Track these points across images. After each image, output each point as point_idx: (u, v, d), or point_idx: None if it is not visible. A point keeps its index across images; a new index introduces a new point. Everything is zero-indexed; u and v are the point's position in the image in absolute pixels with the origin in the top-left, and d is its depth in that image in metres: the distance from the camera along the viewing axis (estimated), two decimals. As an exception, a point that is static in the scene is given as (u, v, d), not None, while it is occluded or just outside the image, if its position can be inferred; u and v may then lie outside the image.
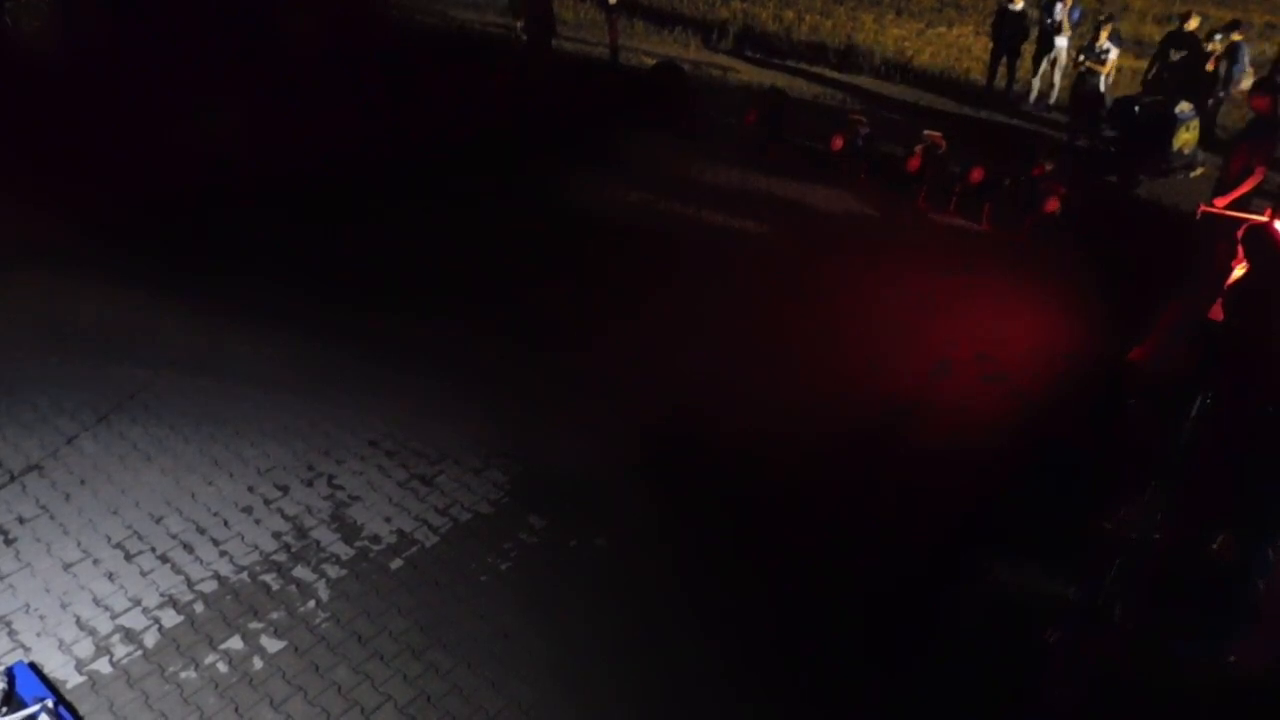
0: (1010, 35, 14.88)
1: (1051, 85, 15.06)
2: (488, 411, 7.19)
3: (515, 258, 9.54)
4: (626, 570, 5.86)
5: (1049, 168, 11.04)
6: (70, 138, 10.93)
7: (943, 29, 18.58)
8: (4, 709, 4.38)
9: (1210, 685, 5.31)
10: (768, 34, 18.06)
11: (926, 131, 11.97)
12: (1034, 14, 14.75)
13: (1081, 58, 13.46)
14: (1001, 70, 15.38)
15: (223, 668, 5.06)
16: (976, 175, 11.05)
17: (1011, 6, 14.53)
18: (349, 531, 6.01)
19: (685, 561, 5.97)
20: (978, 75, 16.06)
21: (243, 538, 5.90)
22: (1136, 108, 12.64)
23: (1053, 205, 10.41)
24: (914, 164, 11.58)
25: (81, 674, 4.96)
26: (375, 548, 5.90)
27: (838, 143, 12.14)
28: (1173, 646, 5.50)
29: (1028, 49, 15.08)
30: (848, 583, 5.89)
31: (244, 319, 8.00)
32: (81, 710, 4.71)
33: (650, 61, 15.67)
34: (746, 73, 16.30)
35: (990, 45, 15.39)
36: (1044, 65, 14.90)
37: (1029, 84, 15.29)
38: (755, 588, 5.82)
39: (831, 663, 5.35)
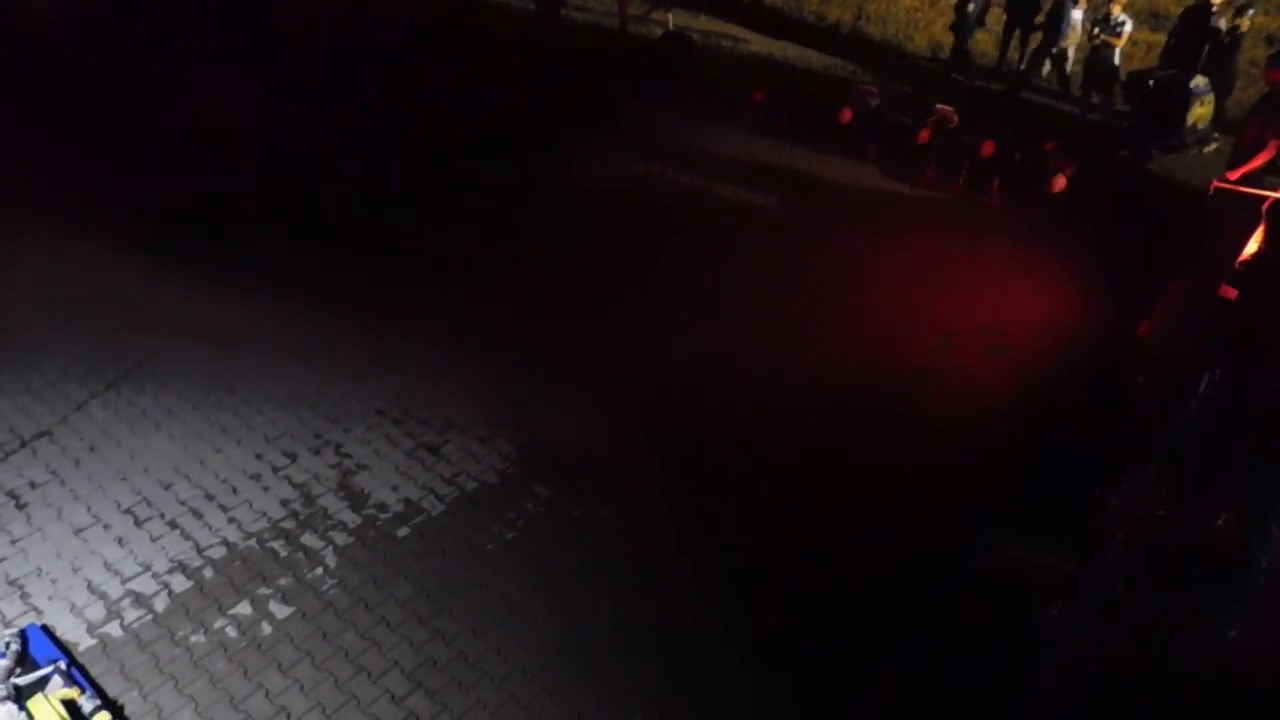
0: (1024, 8, 14.71)
1: (1064, 59, 14.89)
2: (495, 382, 7.21)
3: (524, 230, 9.52)
4: (631, 540, 5.90)
5: (1056, 146, 10.95)
6: (83, 110, 10.90)
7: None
8: (18, 670, 4.45)
9: (1210, 667, 5.34)
10: (778, 3, 17.86)
11: (938, 106, 11.86)
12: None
13: (1096, 30, 13.30)
14: (1014, 43, 15.21)
15: (232, 632, 5.12)
16: (987, 149, 10.97)
17: (1025, -23, 14.35)
18: (356, 499, 6.06)
19: (689, 532, 6.01)
20: (991, 49, 15.87)
21: (251, 504, 5.95)
22: (1151, 82, 12.49)
23: (1059, 184, 10.32)
24: (924, 137, 11.49)
25: (93, 637, 5.03)
26: (382, 516, 5.95)
27: (846, 115, 12.04)
28: (1175, 625, 5.52)
29: (1042, 21, 14.91)
30: (851, 555, 5.92)
31: (252, 288, 8.01)
32: (93, 672, 4.78)
33: (660, 32, 15.52)
34: (757, 43, 16.13)
35: (1004, 18, 15.22)
36: (1057, 39, 14.72)
37: (1041, 58, 15.11)
38: (759, 559, 5.86)
39: (833, 635, 5.39)
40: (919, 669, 5.24)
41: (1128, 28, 13.17)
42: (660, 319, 8.16)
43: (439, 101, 12.39)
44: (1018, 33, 15.27)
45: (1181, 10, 14.51)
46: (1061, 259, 9.54)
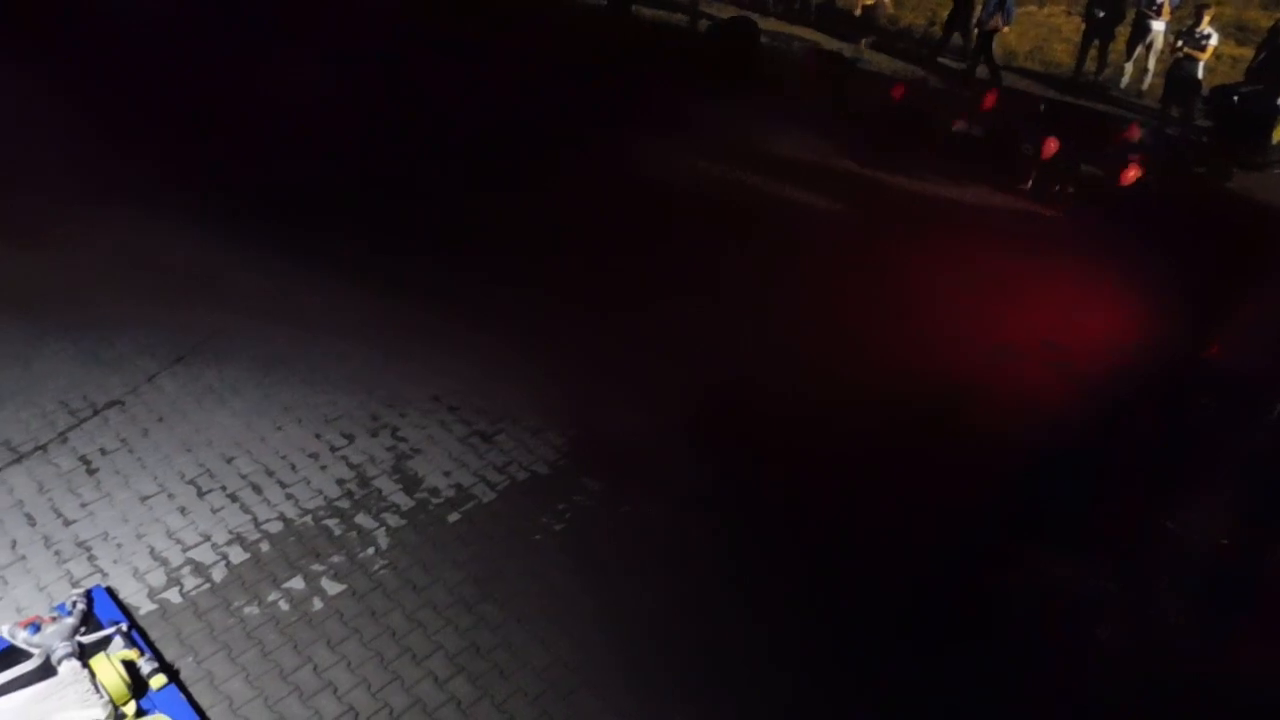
0: (1104, 17, 14.37)
1: (1145, 71, 14.52)
2: (550, 374, 7.27)
3: (587, 225, 9.56)
4: (676, 538, 5.92)
5: (1133, 136, 10.68)
6: (167, 98, 11.22)
7: (1033, 8, 17.95)
8: (83, 629, 4.62)
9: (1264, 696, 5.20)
10: (848, 7, 17.68)
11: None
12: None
13: (1180, 43, 12.94)
14: (1092, 53, 14.87)
15: (284, 606, 5.26)
16: (1050, 147, 10.78)
17: (1108, -14, 14.01)
18: (410, 483, 6.17)
19: (734, 532, 6.01)
20: (1067, 58, 15.53)
21: (308, 482, 6.10)
22: (1235, 97, 12.12)
23: (1132, 174, 9.96)
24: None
25: (153, 602, 5.21)
26: (434, 500, 6.05)
27: (898, 91, 12.37)
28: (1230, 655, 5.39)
29: (1122, 32, 14.55)
30: (893, 563, 5.88)
31: (318, 270, 8.19)
32: (152, 635, 4.94)
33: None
34: (825, 45, 16.01)
35: (1082, 27, 14.89)
36: (1138, 50, 14.36)
37: (1120, 69, 14.76)
38: (800, 562, 5.85)
39: (872, 641, 5.37)
40: (956, 678, 5.19)
41: (1213, 40, 12.80)
42: (716, 318, 8.16)
43: (507, 97, 12.50)
44: (1096, 42, 14.92)
45: (1271, 24, 14.06)
46: (1133, 273, 9.28)
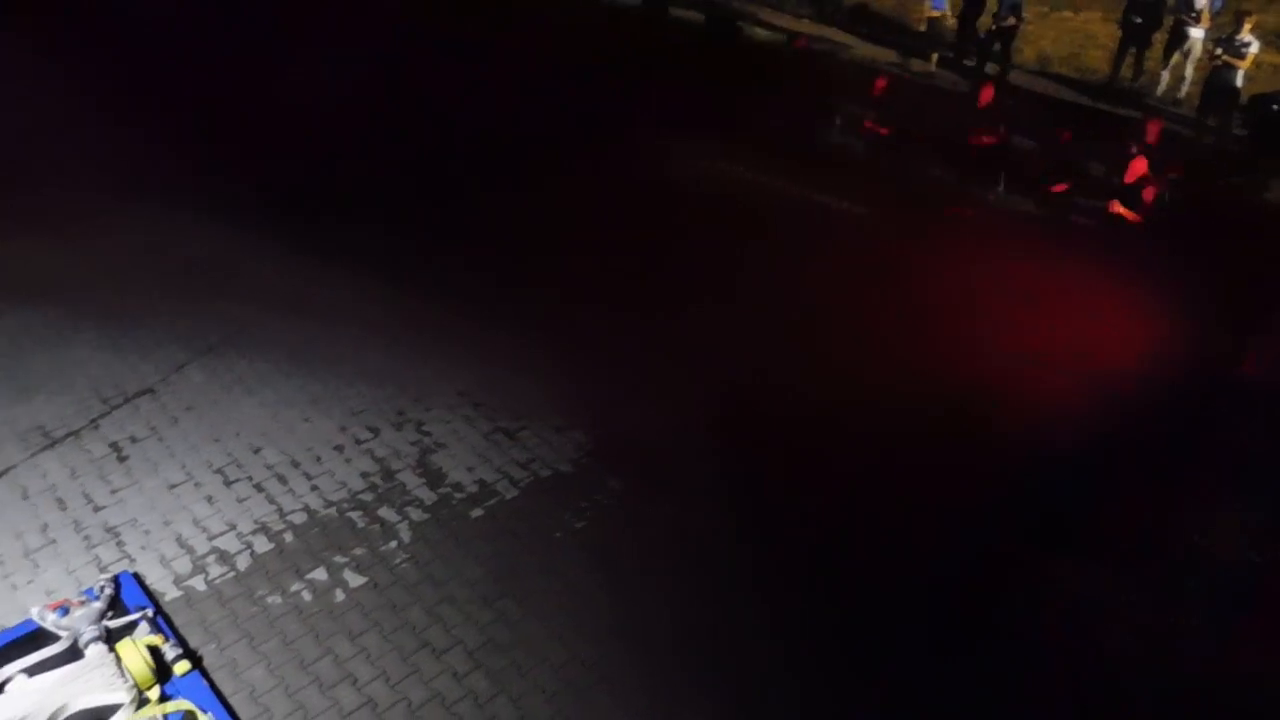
0: (1142, 23, 14.19)
1: (1182, 79, 14.34)
2: (575, 373, 7.30)
3: (609, 223, 9.58)
4: (696, 539, 5.93)
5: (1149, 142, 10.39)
6: (202, 96, 11.37)
7: (1068, 13, 17.76)
8: (110, 613, 4.69)
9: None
10: (884, 10, 17.59)
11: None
12: (1170, 1, 14.05)
13: (1219, 51, 12.77)
14: (1128, 60, 14.70)
15: (307, 596, 5.32)
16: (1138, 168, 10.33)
17: (1146, -7, 13.85)
18: (433, 477, 6.21)
19: (752, 535, 6.02)
20: (1102, 64, 15.36)
21: (333, 474, 6.16)
22: (1276, 106, 11.95)
23: (1138, 168, 9.69)
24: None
25: (179, 588, 5.28)
26: (457, 495, 6.09)
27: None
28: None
29: (1159, 39, 14.37)
30: (913, 568, 5.86)
31: (348, 267, 8.26)
32: (176, 622, 5.00)
33: (762, 33, 15.47)
34: (861, 49, 15.93)
35: (1119, 33, 14.72)
36: (1175, 57, 14.18)
37: (1157, 76, 14.59)
38: (818, 565, 5.83)
39: (886, 645, 5.36)
40: (975, 691, 5.16)
41: (1253, 48, 12.62)
42: (742, 321, 8.16)
43: (526, 97, 12.53)
44: (1133, 49, 14.74)
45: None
46: (1165, 285, 9.18)
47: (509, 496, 6.13)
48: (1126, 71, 14.96)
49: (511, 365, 7.29)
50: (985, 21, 14.58)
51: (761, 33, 15.67)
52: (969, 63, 15.20)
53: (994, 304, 8.64)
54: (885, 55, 15.63)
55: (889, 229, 10.13)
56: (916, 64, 15.25)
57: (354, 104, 11.28)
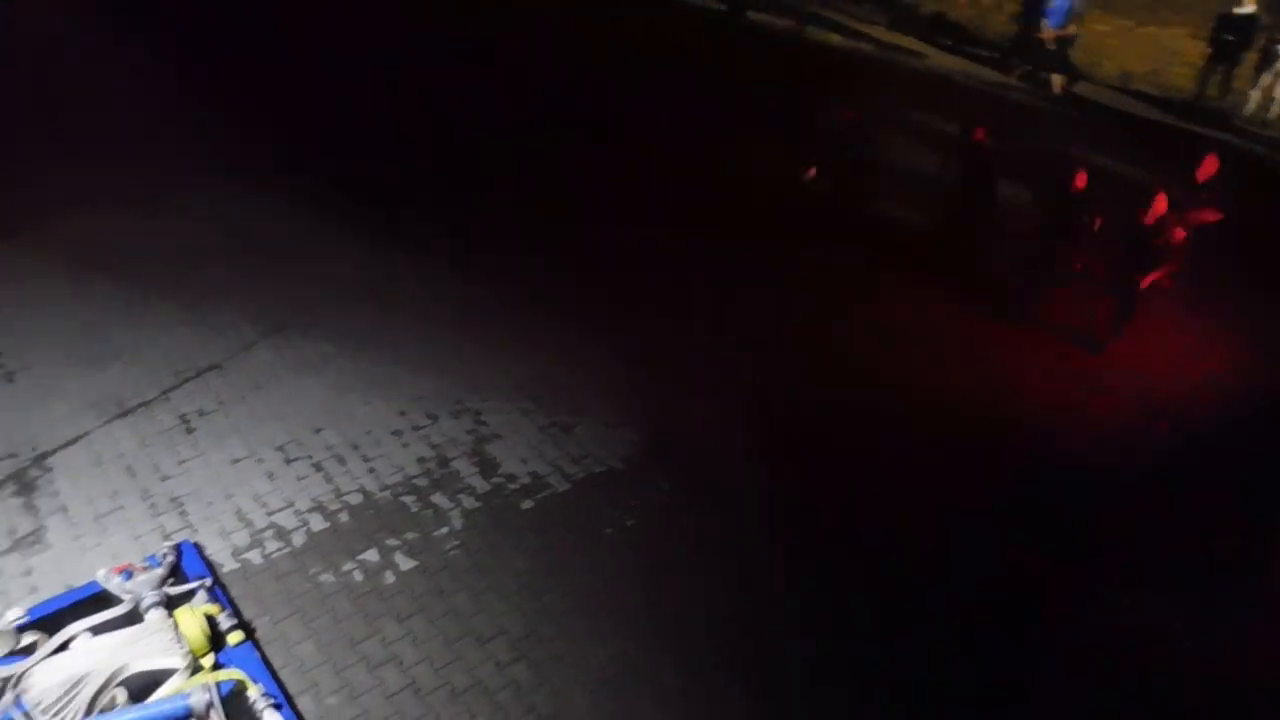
0: (1232, 41, 13.74)
1: (1272, 100, 13.86)
2: (631, 372, 7.32)
3: (677, 228, 9.56)
4: (741, 544, 5.91)
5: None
6: (287, 87, 11.65)
7: (1154, 28, 17.28)
8: (171, 580, 4.84)
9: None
10: (961, 19, 17.29)
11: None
12: (1265, 19, 13.57)
13: (1312, 72, 12.34)
14: (1215, 79, 14.25)
15: (358, 576, 5.42)
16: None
17: (1239, 9, 13.39)
18: (487, 467, 6.29)
19: (798, 542, 5.98)
20: (1186, 82, 14.91)
21: (390, 458, 6.27)
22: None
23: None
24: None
25: (236, 560, 5.43)
26: (510, 486, 6.16)
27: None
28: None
29: (1249, 58, 13.90)
30: (957, 586, 5.76)
31: (415, 255, 8.42)
32: (232, 593, 5.14)
33: (835, 39, 15.31)
34: (935, 58, 15.70)
35: (1207, 51, 14.27)
36: (1265, 77, 13.70)
37: (1245, 96, 14.12)
38: (863, 576, 5.78)
39: (929, 661, 5.29)
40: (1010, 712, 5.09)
41: (1349, 72, 12.15)
42: (803, 329, 8.09)
43: (605, 98, 12.58)
44: (1220, 68, 14.29)
45: None
46: (1227, 313, 8.84)
47: (560, 490, 6.17)
48: (1213, 90, 14.50)
49: (569, 361, 7.34)
50: (1049, 33, 14.18)
51: (835, 39, 15.52)
52: (1020, 68, 14.73)
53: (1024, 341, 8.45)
54: (983, 72, 15.37)
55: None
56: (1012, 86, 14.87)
57: (429, 102, 11.44)
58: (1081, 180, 8.13)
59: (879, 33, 16.24)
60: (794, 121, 11.26)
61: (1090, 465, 6.92)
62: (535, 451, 6.46)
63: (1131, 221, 7.83)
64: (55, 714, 4.08)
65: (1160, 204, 7.70)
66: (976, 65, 15.49)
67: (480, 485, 6.14)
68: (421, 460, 6.28)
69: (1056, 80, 14.35)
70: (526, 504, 6.04)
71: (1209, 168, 8.49)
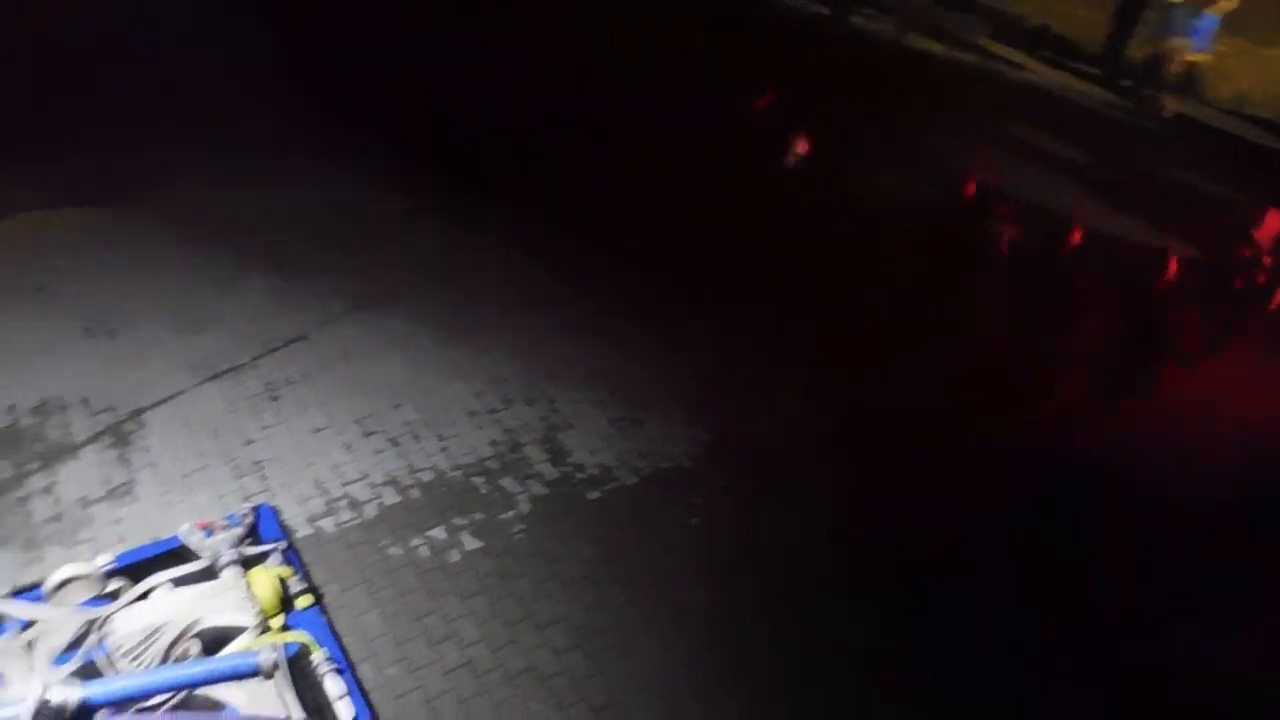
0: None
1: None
2: (706, 371, 7.32)
3: (767, 232, 9.52)
4: (806, 551, 5.86)
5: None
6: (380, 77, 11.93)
7: (1276, 50, 16.53)
8: (248, 540, 5.00)
9: None
10: (1069, 33, 16.77)
11: None
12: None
13: None
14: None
15: (425, 553, 5.54)
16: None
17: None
18: (557, 455, 6.35)
19: (862, 554, 5.90)
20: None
21: (463, 439, 6.38)
22: None
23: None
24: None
25: (310, 527, 5.59)
26: (578, 475, 6.21)
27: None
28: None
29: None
30: (1019, 614, 5.62)
31: (501, 241, 8.53)
32: (304, 558, 5.27)
33: (935, 48, 15.02)
34: (1037, 72, 15.30)
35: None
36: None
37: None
38: (930, 597, 5.67)
39: (988, 691, 5.17)
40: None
41: None
42: (882, 336, 7.98)
43: (700, 101, 12.57)
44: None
45: None
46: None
47: (628, 484, 6.20)
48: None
49: (645, 357, 7.37)
50: (1186, 56, 13.48)
51: (936, 46, 15.23)
52: (1141, 88, 14.10)
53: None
54: (1060, 78, 14.93)
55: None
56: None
57: (525, 91, 11.59)
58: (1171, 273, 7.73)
59: (983, 41, 15.88)
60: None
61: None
62: (605, 443, 6.51)
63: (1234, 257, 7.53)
64: (134, 658, 4.26)
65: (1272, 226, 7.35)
66: (1080, 81, 15.05)
67: (549, 472, 6.21)
68: (494, 443, 6.38)
69: (1171, 102, 13.79)
70: (593, 495, 6.09)
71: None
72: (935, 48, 15.11)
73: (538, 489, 6.07)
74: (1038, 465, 6.81)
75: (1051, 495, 6.57)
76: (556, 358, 7.23)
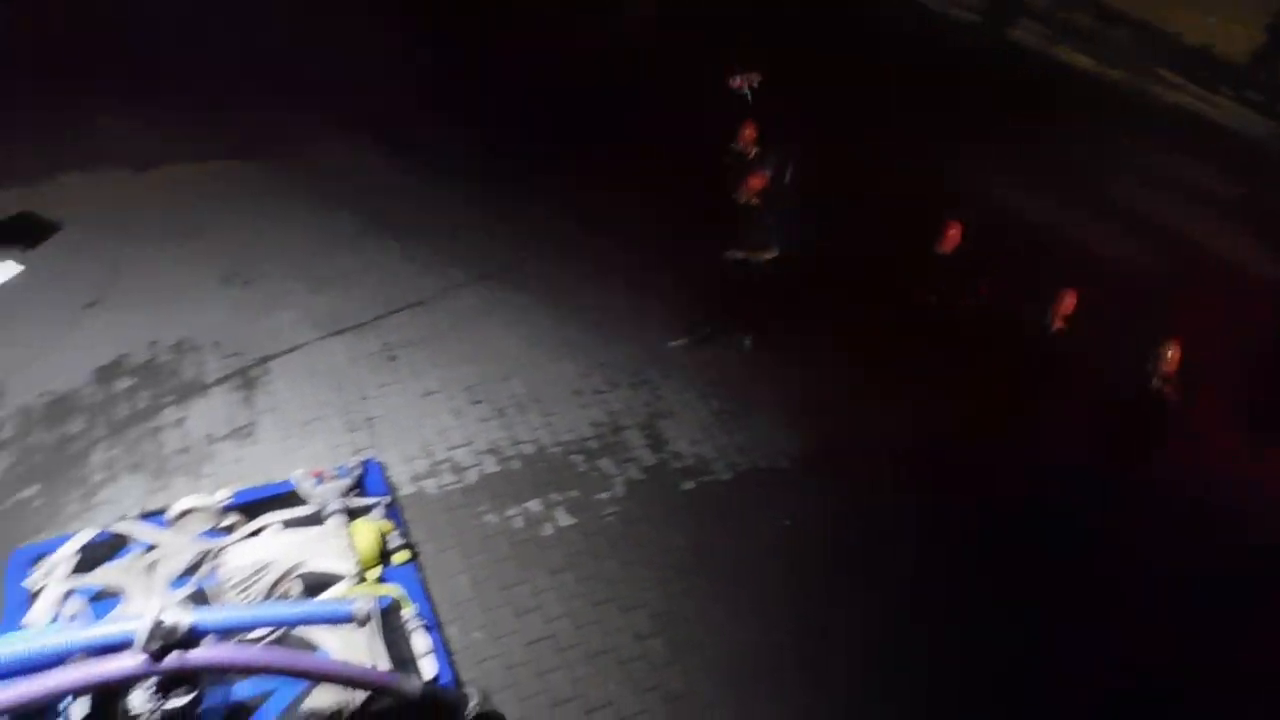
0: None
1: None
2: (810, 374, 7.20)
3: (875, 227, 9.18)
4: (894, 559, 5.77)
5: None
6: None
7: None
8: (354, 492, 5.20)
9: None
10: (1228, 55, 15.50)
11: None
12: None
13: None
14: None
15: (519, 524, 5.66)
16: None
17: None
18: (657, 442, 6.39)
19: (954, 573, 5.76)
20: None
21: (567, 416, 6.48)
22: None
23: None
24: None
25: (413, 486, 5.78)
26: (675, 464, 6.24)
27: None
28: None
29: None
30: (1094, 647, 5.38)
31: (619, 224, 8.48)
32: (405, 515, 5.45)
33: (1082, 61, 14.26)
34: (1190, 94, 14.30)
35: None
36: None
37: None
38: (1011, 611, 5.49)
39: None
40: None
41: None
42: (983, 357, 7.66)
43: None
44: None
45: None
46: None
47: (723, 478, 6.19)
48: None
49: (754, 358, 7.33)
50: None
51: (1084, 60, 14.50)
52: None
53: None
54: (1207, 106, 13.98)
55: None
56: None
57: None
58: None
59: (1128, 56, 14.97)
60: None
61: None
62: (705, 434, 6.50)
63: None
64: (241, 591, 4.50)
65: None
66: (1241, 107, 14.07)
67: (647, 458, 6.25)
68: (596, 424, 6.46)
69: None
70: (688, 485, 6.10)
71: None
72: (1082, 61, 14.38)
73: (634, 473, 6.12)
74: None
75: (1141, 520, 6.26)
76: (667, 346, 7.23)
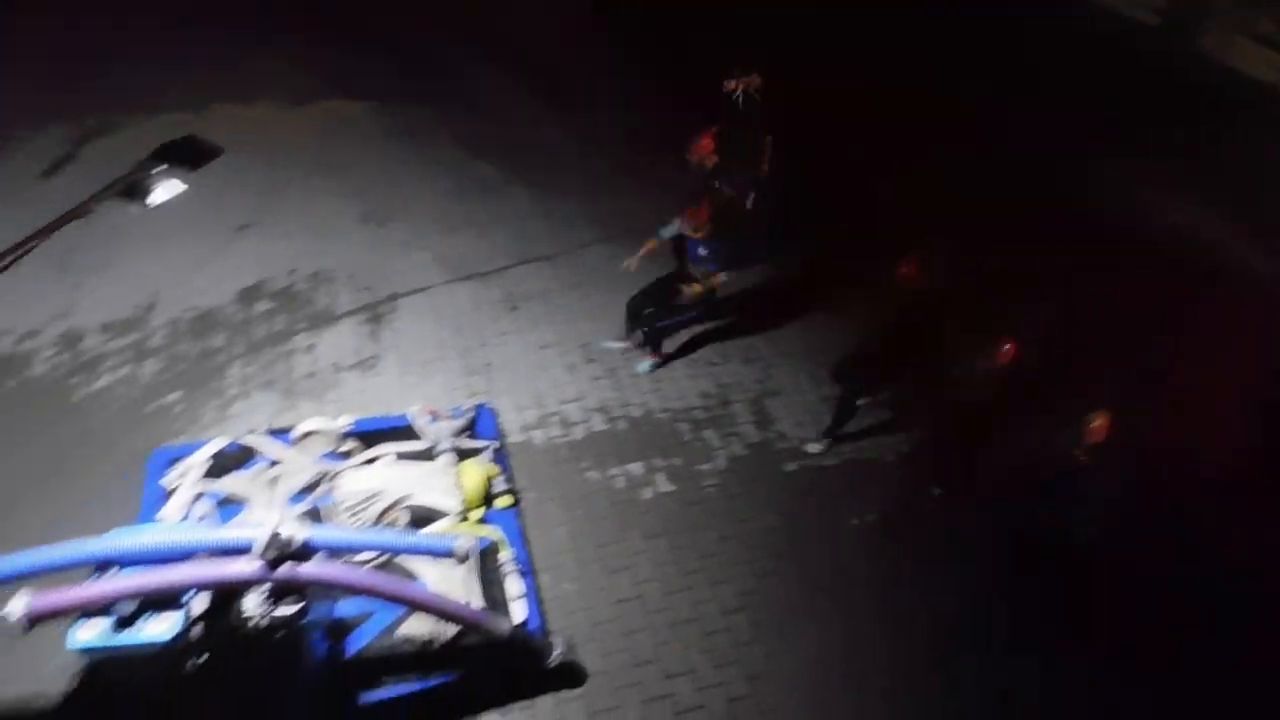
0: None
1: None
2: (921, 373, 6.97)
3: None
4: (989, 570, 5.53)
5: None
6: None
7: None
8: (466, 433, 5.38)
9: None
10: None
11: None
12: None
13: None
14: None
15: (620, 484, 5.74)
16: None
17: None
18: (763, 419, 6.36)
19: (1049, 581, 5.46)
20: None
21: (677, 384, 6.51)
22: None
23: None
24: None
25: (522, 435, 5.93)
26: (779, 444, 6.20)
27: None
28: None
29: None
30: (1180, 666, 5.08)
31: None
32: (511, 462, 5.60)
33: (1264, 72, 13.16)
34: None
35: None
36: None
37: None
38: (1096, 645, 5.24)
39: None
40: None
41: None
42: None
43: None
44: None
45: None
46: None
47: (826, 464, 6.13)
48: None
49: (870, 350, 7.14)
50: None
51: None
52: None
53: None
54: None
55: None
56: None
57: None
58: None
59: None
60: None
61: None
62: (813, 418, 6.42)
63: None
64: (353, 514, 4.73)
65: None
66: None
67: (752, 434, 6.23)
68: (705, 395, 6.47)
69: None
70: (790, 466, 6.06)
71: None
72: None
73: (738, 448, 6.12)
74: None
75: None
76: (781, 326, 7.15)
